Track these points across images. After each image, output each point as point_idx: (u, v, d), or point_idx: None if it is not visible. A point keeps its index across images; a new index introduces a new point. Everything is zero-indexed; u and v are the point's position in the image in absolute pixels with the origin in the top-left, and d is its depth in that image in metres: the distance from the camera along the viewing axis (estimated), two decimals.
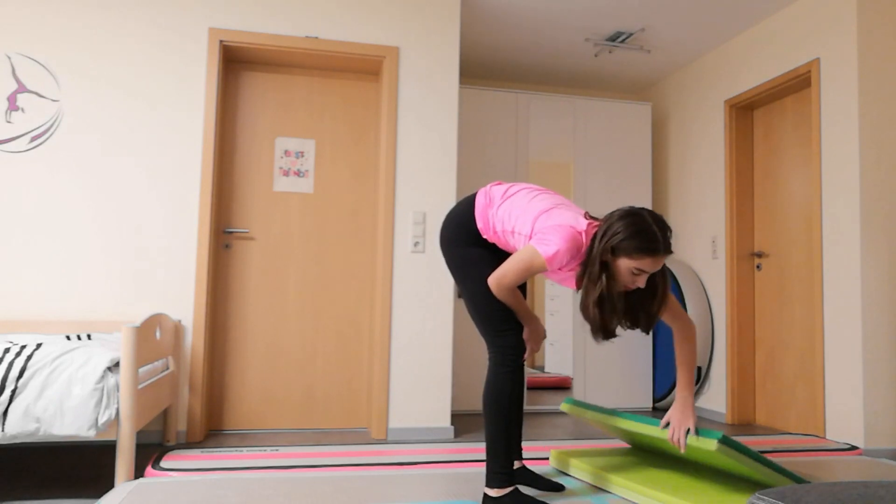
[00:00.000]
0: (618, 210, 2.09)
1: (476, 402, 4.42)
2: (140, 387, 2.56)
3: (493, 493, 2.14)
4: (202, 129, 3.46)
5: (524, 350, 2.24)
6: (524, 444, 3.31)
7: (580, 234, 2.09)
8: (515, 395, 2.20)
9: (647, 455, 2.73)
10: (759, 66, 4.16)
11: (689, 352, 2.32)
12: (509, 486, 2.14)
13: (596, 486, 2.43)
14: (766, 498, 1.66)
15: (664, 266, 2.12)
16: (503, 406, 2.16)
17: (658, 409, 4.71)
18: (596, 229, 2.09)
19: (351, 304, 3.80)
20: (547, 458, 2.97)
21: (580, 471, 2.54)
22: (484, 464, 2.86)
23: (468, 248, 2.31)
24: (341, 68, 3.85)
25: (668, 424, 2.30)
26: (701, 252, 4.63)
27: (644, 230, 2.01)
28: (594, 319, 2.08)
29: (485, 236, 2.31)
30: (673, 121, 5.06)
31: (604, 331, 2.11)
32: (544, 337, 2.39)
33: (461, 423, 3.97)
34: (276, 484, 2.42)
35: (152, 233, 3.38)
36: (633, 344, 4.72)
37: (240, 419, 3.62)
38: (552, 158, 4.74)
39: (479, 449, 3.20)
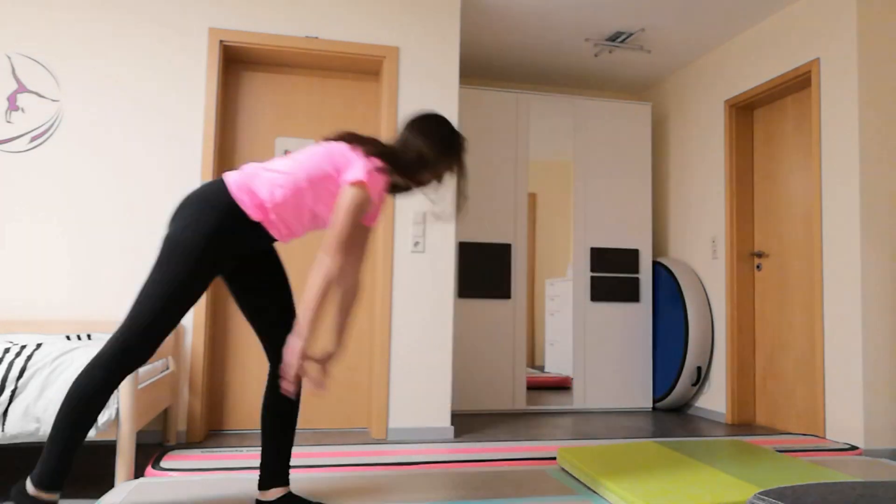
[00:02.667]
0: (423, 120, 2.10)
1: (477, 402, 4.42)
2: (140, 387, 2.56)
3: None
4: (202, 129, 3.46)
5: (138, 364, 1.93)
6: (526, 445, 3.31)
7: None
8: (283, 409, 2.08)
9: (651, 454, 2.72)
10: (759, 66, 4.16)
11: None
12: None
13: (593, 490, 2.44)
14: (766, 498, 1.66)
15: None
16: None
17: (658, 409, 4.71)
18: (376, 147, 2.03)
19: None
20: (550, 458, 2.97)
21: (580, 472, 2.54)
22: (485, 464, 2.86)
23: (206, 239, 1.91)
24: (341, 68, 3.85)
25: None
26: (701, 252, 4.64)
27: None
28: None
29: (250, 210, 1.95)
30: (673, 121, 5.06)
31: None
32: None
33: (461, 423, 3.97)
34: None
35: (153, 233, 3.38)
36: (633, 344, 4.72)
37: (240, 419, 3.62)
38: (552, 158, 4.74)
39: (479, 449, 3.20)
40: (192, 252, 1.91)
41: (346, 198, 1.95)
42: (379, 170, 2.00)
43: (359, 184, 1.95)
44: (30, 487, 1.89)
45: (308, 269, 3.75)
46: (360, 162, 1.99)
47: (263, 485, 2.11)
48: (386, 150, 2.05)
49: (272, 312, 2.12)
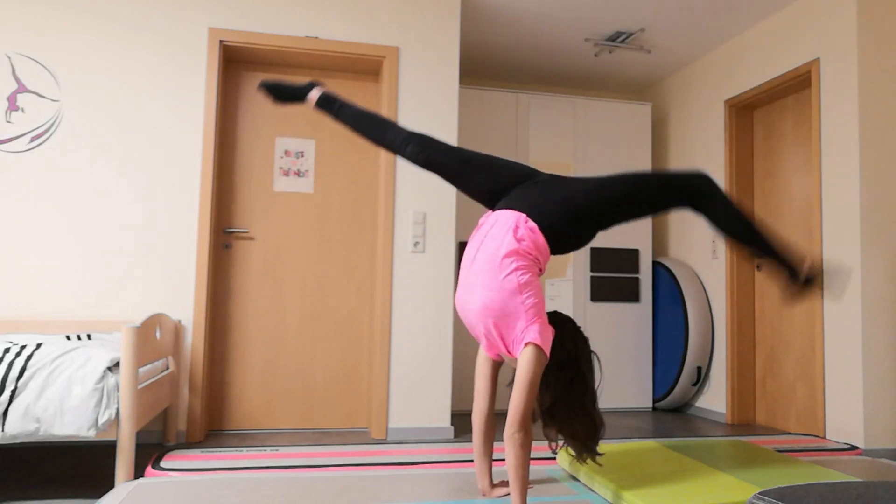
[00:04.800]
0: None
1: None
2: (140, 387, 2.56)
3: None
4: (202, 129, 3.46)
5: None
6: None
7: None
8: None
9: (651, 454, 2.72)
10: (759, 66, 4.16)
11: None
12: None
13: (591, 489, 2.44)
14: (766, 498, 1.66)
15: None
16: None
17: (658, 410, 4.71)
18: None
19: (351, 304, 3.80)
20: (550, 458, 2.96)
21: (580, 472, 2.54)
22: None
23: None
24: (341, 68, 3.85)
25: None
26: (701, 252, 4.63)
27: None
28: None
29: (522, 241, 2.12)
30: (673, 121, 5.06)
31: None
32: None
33: (461, 423, 3.97)
34: (276, 484, 2.42)
35: (152, 233, 3.38)
36: (633, 344, 4.72)
37: (240, 419, 3.62)
38: (552, 158, 4.74)
39: None
40: None
41: (530, 367, 2.01)
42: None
43: (539, 346, 2.02)
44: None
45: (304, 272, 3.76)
46: (536, 325, 2.05)
47: None
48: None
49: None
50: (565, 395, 2.12)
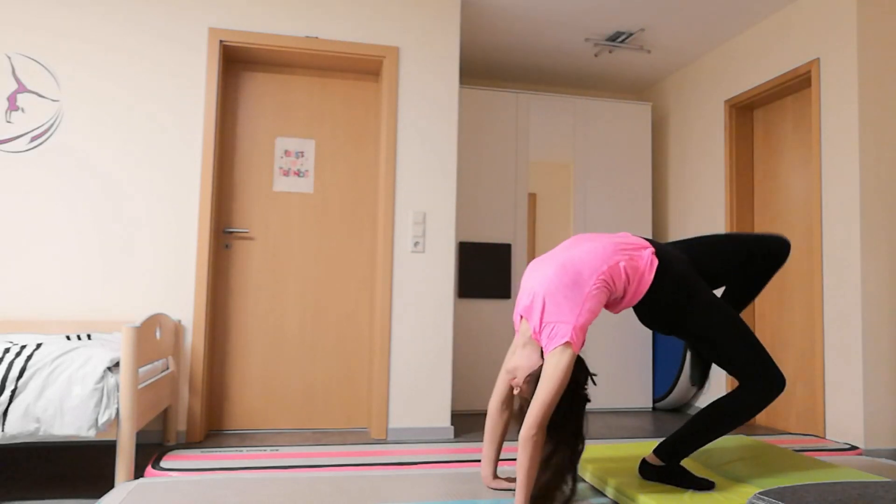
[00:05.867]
0: None
1: (477, 402, 4.42)
2: (140, 387, 2.56)
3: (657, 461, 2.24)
4: (202, 129, 3.46)
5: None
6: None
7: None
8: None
9: None
10: (759, 66, 4.16)
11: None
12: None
13: (597, 489, 2.43)
14: (766, 498, 1.66)
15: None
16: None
17: (658, 410, 4.71)
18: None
19: (351, 304, 3.80)
20: None
21: (584, 471, 2.54)
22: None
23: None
24: (341, 68, 3.85)
25: None
26: None
27: None
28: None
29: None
30: (673, 121, 5.06)
31: None
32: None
33: (461, 423, 3.97)
34: (276, 484, 2.42)
35: (152, 233, 3.38)
36: (633, 344, 4.72)
37: (240, 419, 3.62)
38: (552, 158, 4.74)
39: (479, 449, 3.20)
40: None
41: (560, 367, 1.96)
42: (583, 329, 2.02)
43: (574, 349, 1.97)
44: (655, 460, 2.24)
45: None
46: (570, 322, 1.99)
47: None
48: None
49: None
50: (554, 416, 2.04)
